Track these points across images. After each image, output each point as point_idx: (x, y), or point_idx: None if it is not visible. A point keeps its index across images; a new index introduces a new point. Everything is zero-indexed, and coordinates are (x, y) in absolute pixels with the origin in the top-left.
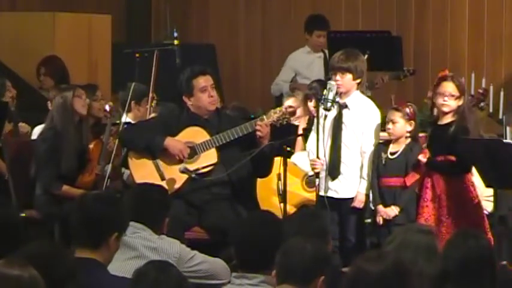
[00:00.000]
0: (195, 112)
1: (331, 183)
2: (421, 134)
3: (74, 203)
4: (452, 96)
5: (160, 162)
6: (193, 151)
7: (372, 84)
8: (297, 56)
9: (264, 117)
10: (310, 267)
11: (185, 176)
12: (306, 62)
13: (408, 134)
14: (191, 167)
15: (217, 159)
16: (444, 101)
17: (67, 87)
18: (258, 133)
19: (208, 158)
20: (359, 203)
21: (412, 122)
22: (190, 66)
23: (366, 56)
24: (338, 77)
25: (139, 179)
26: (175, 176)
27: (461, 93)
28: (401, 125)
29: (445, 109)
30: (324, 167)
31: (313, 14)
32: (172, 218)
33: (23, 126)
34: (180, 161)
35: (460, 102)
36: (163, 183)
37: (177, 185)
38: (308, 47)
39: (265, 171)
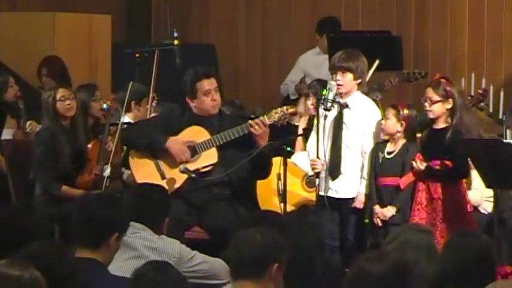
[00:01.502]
0: (197, 113)
1: (331, 183)
2: (418, 135)
3: (74, 203)
4: (431, 101)
5: (161, 162)
6: (194, 150)
7: (381, 86)
8: (307, 57)
9: (265, 116)
10: (260, 257)
11: (185, 176)
12: (315, 63)
13: (399, 134)
14: (191, 166)
15: (218, 158)
16: (425, 106)
17: (50, 88)
18: (253, 131)
19: (209, 157)
20: (359, 203)
21: (403, 122)
22: (194, 67)
23: (378, 62)
24: (339, 76)
25: (140, 178)
26: (176, 175)
27: (444, 97)
28: (392, 123)
29: (429, 115)
30: (325, 167)
31: (327, 15)
32: (172, 218)
33: (32, 125)
34: (181, 162)
35: (449, 106)
36: (164, 183)
37: (177, 185)
38: (318, 48)
39: (264, 173)
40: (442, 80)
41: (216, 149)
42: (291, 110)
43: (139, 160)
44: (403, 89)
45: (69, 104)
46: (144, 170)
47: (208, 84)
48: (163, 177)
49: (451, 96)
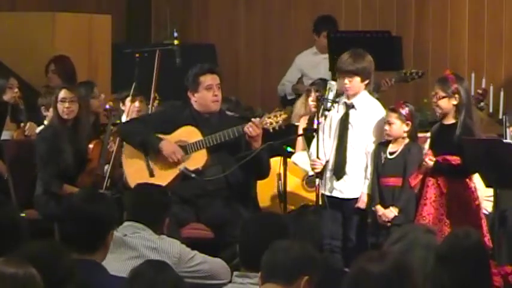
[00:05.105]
0: (197, 110)
1: (336, 183)
2: (421, 134)
3: (66, 213)
4: (438, 96)
5: (151, 160)
6: (185, 150)
7: (378, 86)
8: (304, 57)
9: (257, 120)
10: (293, 265)
11: (174, 174)
12: (312, 63)
13: (405, 134)
14: (181, 165)
15: (208, 160)
16: (433, 102)
17: (53, 91)
18: (247, 133)
19: (198, 158)
20: (362, 204)
21: (409, 122)
22: (200, 64)
23: None
24: (346, 80)
25: (129, 173)
26: (164, 173)
27: (450, 93)
28: (397, 126)
29: (437, 110)
30: (330, 167)
31: (322, 14)
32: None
33: (30, 127)
34: (174, 162)
35: (455, 102)
36: (152, 180)
37: (164, 183)
38: (315, 48)
39: (261, 174)
40: (449, 76)
41: (206, 152)
42: (283, 116)
43: (131, 155)
44: (403, 89)
45: (68, 107)
46: (134, 166)
47: (211, 79)
48: (151, 175)
49: (457, 92)
